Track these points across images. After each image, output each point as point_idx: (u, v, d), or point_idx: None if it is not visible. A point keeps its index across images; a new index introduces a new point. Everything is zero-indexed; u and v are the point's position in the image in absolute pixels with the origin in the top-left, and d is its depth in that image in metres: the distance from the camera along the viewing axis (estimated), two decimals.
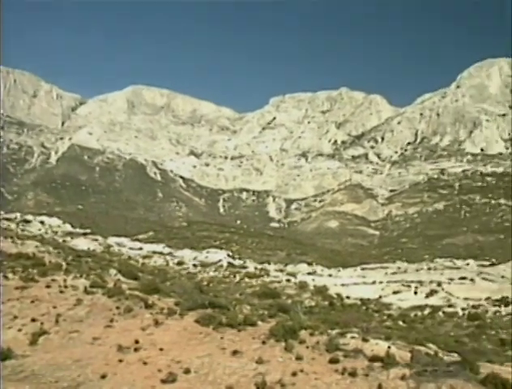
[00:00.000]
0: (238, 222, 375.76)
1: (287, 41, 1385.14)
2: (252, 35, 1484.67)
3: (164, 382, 24.11)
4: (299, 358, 27.19)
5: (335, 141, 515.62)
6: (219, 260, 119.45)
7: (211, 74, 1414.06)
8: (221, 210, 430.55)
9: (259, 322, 32.17)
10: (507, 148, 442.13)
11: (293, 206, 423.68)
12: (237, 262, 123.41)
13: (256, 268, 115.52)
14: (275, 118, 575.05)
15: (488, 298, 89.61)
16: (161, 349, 27.66)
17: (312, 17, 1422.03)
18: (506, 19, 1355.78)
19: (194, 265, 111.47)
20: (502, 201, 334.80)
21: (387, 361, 27.11)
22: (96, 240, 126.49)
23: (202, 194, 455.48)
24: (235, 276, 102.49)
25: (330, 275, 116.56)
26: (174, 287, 50.61)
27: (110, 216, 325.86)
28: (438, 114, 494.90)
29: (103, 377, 24.40)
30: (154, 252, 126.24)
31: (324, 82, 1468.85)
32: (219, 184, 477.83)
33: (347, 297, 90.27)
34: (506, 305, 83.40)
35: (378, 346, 29.63)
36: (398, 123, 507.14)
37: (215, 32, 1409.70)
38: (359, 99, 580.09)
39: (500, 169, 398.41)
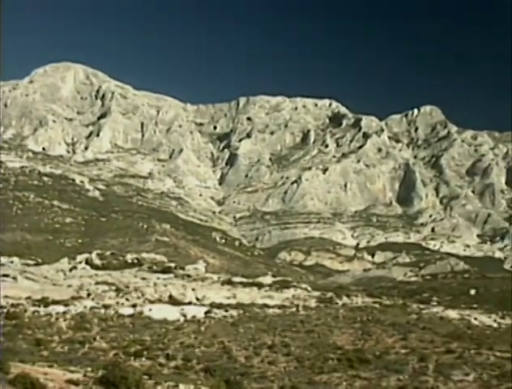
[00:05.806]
0: None
1: None
2: None
3: None
4: None
5: None
6: None
7: None
8: None
9: None
10: (68, 152, 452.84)
11: None
12: None
13: None
14: None
15: (28, 298, 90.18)
16: None
17: None
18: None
19: None
20: (56, 202, 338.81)
21: None
22: None
23: None
24: None
25: None
26: None
27: None
28: (6, 105, 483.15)
29: None
30: None
31: None
32: None
33: None
34: (46, 305, 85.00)
35: None
36: None
37: None
38: None
39: (58, 171, 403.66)
